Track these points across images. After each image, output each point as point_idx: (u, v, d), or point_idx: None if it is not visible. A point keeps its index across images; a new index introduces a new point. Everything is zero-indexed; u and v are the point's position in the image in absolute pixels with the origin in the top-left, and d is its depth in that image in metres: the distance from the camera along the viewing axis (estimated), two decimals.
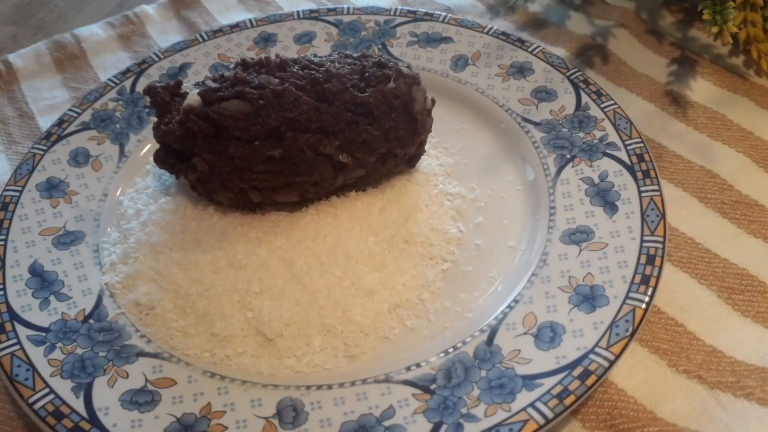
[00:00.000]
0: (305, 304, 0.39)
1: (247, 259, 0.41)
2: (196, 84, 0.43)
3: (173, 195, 0.45)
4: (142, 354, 0.38)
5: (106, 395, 0.36)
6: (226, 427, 0.35)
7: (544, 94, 0.49)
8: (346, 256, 0.41)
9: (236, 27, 0.56)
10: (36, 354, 0.38)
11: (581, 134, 0.46)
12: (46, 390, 0.36)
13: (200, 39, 0.55)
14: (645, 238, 0.40)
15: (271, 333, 0.38)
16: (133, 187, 0.47)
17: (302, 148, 0.40)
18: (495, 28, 0.53)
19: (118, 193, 0.47)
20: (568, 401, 0.34)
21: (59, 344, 0.38)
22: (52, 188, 0.46)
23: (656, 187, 0.42)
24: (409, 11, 0.55)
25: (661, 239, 0.40)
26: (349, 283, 0.40)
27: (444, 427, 0.34)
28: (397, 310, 0.40)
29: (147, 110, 0.50)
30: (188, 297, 0.40)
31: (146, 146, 0.49)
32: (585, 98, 0.48)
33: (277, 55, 0.43)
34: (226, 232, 0.43)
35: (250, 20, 0.56)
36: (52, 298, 0.40)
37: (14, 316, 0.39)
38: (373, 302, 0.40)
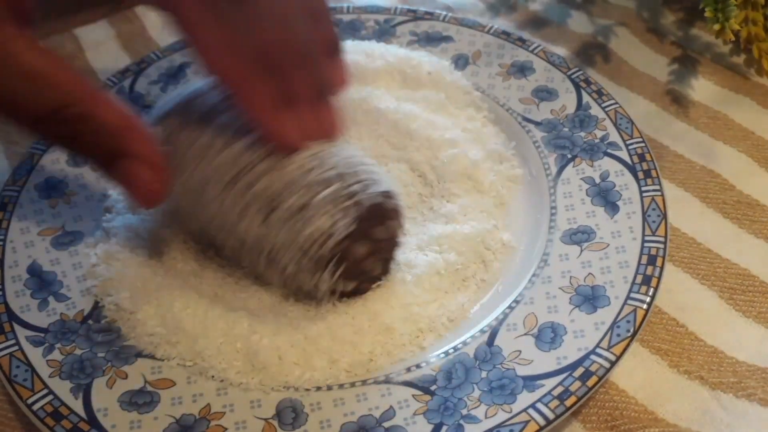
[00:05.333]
0: (303, 345, 0.37)
1: (241, 304, 0.39)
2: None
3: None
4: (140, 355, 0.38)
5: (105, 396, 0.36)
6: (226, 428, 0.35)
7: (545, 94, 0.49)
8: (363, 298, 0.38)
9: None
10: (35, 355, 0.38)
11: (582, 134, 0.46)
12: (45, 391, 0.36)
13: None
14: (646, 238, 0.40)
15: (259, 365, 0.37)
16: None
17: None
18: (495, 27, 0.53)
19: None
20: (569, 402, 0.34)
21: (58, 345, 0.38)
22: (51, 188, 0.46)
23: (657, 187, 0.42)
24: (409, 10, 0.55)
25: (662, 239, 0.39)
26: (364, 321, 0.38)
27: (444, 428, 0.34)
28: (416, 339, 0.38)
29: (146, 110, 0.50)
30: (170, 308, 0.38)
31: None
32: (586, 97, 0.48)
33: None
34: (217, 253, 0.41)
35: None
36: (50, 298, 0.40)
37: (13, 317, 0.39)
38: (391, 337, 0.38)
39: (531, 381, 0.35)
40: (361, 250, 0.37)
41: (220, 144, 0.37)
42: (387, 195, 0.37)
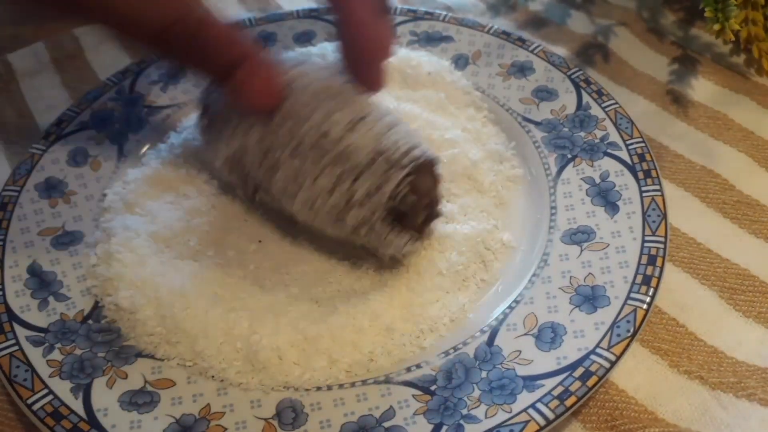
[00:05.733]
0: (303, 345, 0.37)
1: (240, 304, 0.39)
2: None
3: (162, 191, 0.44)
4: (140, 355, 0.38)
5: (105, 396, 0.36)
6: (226, 429, 0.35)
7: (545, 94, 0.49)
8: (364, 298, 0.39)
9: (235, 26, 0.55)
10: (35, 355, 0.38)
11: (582, 134, 0.46)
12: (45, 391, 0.36)
13: None
14: (646, 238, 0.40)
15: (259, 365, 0.37)
16: (122, 180, 0.46)
17: None
18: (495, 27, 0.53)
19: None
20: (569, 402, 0.34)
21: (58, 345, 0.38)
22: (51, 188, 0.46)
23: (657, 187, 0.42)
24: (409, 10, 0.55)
25: (662, 239, 0.39)
26: (364, 321, 0.38)
27: (444, 428, 0.34)
28: (417, 339, 0.38)
29: (146, 110, 0.50)
30: (170, 308, 0.38)
31: (145, 146, 0.49)
32: (586, 98, 0.48)
33: None
34: (217, 254, 0.42)
35: (249, 19, 0.56)
36: (50, 298, 0.40)
37: (13, 317, 0.39)
38: (391, 337, 0.38)
39: (531, 381, 0.35)
40: (428, 182, 0.38)
41: (329, 73, 0.39)
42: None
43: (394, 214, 0.37)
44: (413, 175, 0.37)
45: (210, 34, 0.35)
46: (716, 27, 0.48)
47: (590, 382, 0.34)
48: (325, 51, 0.49)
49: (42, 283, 0.41)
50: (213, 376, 0.37)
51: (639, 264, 0.39)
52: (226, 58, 0.35)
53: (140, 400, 0.36)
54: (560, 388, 0.34)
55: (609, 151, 0.44)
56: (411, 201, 0.37)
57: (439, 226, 0.42)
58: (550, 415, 0.34)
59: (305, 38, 0.54)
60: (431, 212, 0.39)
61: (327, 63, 0.41)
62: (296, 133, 0.38)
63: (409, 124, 0.39)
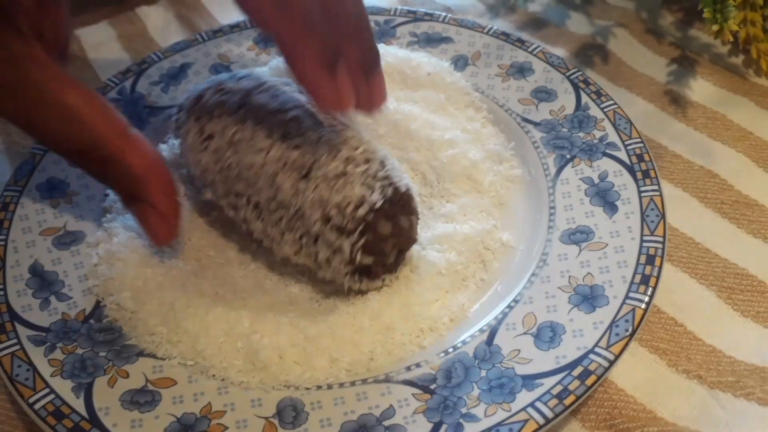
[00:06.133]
0: (304, 345, 0.37)
1: (241, 304, 0.39)
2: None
3: None
4: (142, 354, 0.38)
5: (106, 395, 0.36)
6: (227, 427, 0.35)
7: (543, 94, 0.49)
8: (364, 298, 0.39)
9: (236, 27, 0.55)
10: (36, 354, 0.38)
11: (581, 134, 0.46)
12: (47, 390, 0.36)
13: (200, 39, 0.55)
14: (645, 238, 0.40)
15: (260, 364, 0.37)
16: None
17: None
18: (495, 28, 0.53)
19: None
20: (568, 401, 0.34)
21: (59, 344, 0.38)
22: (53, 188, 0.46)
23: (656, 187, 0.42)
24: (409, 11, 0.55)
25: (660, 239, 0.40)
26: (365, 320, 0.38)
27: (444, 426, 0.34)
28: (417, 339, 0.38)
29: (147, 110, 0.50)
30: (171, 307, 0.38)
31: None
32: (585, 98, 0.48)
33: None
34: (218, 254, 0.42)
35: (246, 21, 0.56)
36: (52, 298, 0.40)
37: (14, 316, 0.39)
38: (391, 336, 0.38)
39: (530, 380, 0.35)
40: (385, 229, 0.37)
41: (275, 106, 0.39)
42: (412, 194, 0.39)
43: (360, 269, 0.38)
44: (366, 235, 0.37)
45: (117, 171, 0.35)
46: (715, 28, 0.48)
47: (589, 381, 0.35)
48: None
49: (43, 283, 0.41)
50: (214, 375, 0.37)
51: (638, 264, 0.39)
52: (130, 192, 0.36)
53: (141, 399, 0.36)
54: (559, 387, 0.35)
55: (608, 151, 0.45)
56: (371, 259, 0.37)
57: (438, 226, 0.42)
58: (549, 414, 0.34)
59: None
60: (402, 247, 0.39)
61: (275, 89, 0.40)
62: (251, 195, 0.39)
63: (366, 156, 0.38)
